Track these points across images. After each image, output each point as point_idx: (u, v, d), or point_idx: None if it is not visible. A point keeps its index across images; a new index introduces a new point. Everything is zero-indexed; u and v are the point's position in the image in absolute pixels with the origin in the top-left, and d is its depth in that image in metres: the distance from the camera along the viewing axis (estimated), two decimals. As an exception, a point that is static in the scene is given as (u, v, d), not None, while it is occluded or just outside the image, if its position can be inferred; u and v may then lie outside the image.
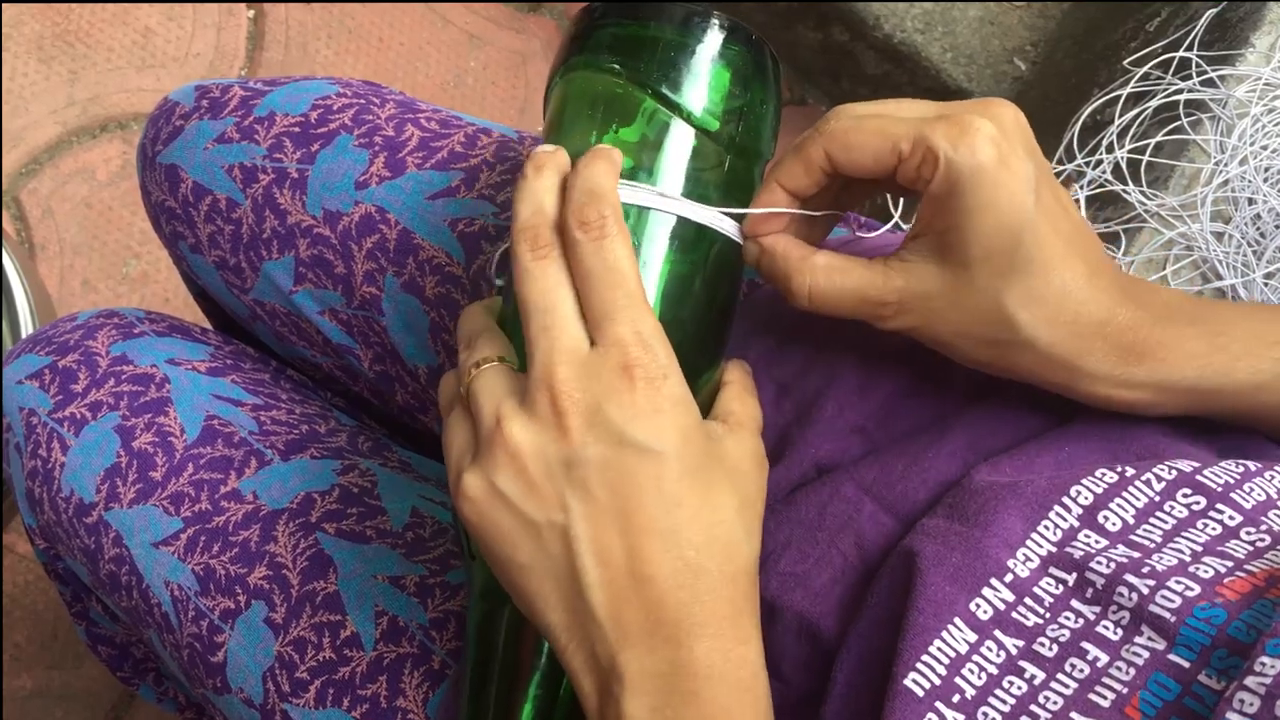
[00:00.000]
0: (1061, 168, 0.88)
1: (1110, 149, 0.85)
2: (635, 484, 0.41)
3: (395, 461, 0.63)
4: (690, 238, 0.47)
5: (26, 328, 1.05)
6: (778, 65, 0.50)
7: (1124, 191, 0.84)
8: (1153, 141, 0.84)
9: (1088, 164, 0.86)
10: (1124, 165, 0.85)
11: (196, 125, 0.66)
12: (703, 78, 0.47)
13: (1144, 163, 0.84)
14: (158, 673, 0.76)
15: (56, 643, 1.14)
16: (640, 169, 0.47)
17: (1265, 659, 0.36)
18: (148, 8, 1.31)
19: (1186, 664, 0.39)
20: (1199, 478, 0.44)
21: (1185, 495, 0.44)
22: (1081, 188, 0.86)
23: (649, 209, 0.46)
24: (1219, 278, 0.80)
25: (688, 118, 0.47)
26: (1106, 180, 0.86)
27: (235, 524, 0.58)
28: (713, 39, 0.47)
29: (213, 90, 0.68)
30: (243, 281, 0.66)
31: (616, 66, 0.47)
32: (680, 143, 0.47)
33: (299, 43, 1.32)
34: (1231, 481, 0.44)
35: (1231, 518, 0.43)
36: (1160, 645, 0.39)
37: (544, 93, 0.51)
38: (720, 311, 0.49)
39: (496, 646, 0.47)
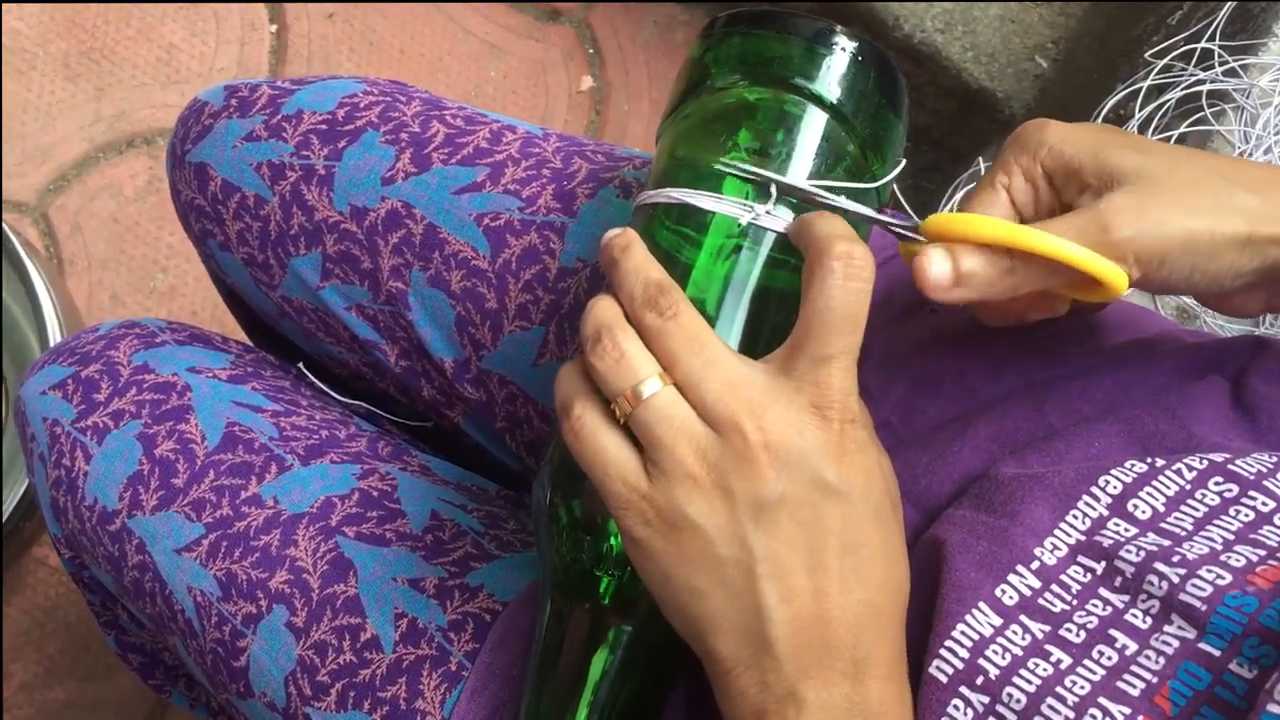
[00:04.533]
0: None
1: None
2: (824, 525, 0.41)
3: (415, 466, 0.64)
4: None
5: (56, 342, 1.06)
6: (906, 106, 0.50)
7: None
8: (1176, 133, 0.83)
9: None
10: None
11: (225, 124, 0.67)
12: (848, 82, 0.47)
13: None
14: (189, 678, 0.77)
15: (89, 655, 1.15)
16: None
17: None
18: (171, 25, 1.32)
19: (1217, 653, 0.38)
20: (1231, 467, 0.43)
21: (1217, 483, 0.43)
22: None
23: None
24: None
25: (847, 128, 0.47)
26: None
27: (256, 529, 0.59)
28: (853, 48, 0.47)
29: (241, 89, 0.68)
30: (270, 278, 0.67)
31: (759, 76, 0.47)
32: (819, 146, 0.47)
33: (321, 56, 1.33)
34: (1265, 470, 0.43)
35: (1264, 504, 0.42)
36: (1190, 634, 0.39)
37: (668, 110, 0.51)
38: None
39: (564, 642, 0.47)
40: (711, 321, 0.45)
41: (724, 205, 0.46)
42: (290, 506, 0.59)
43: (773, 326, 0.46)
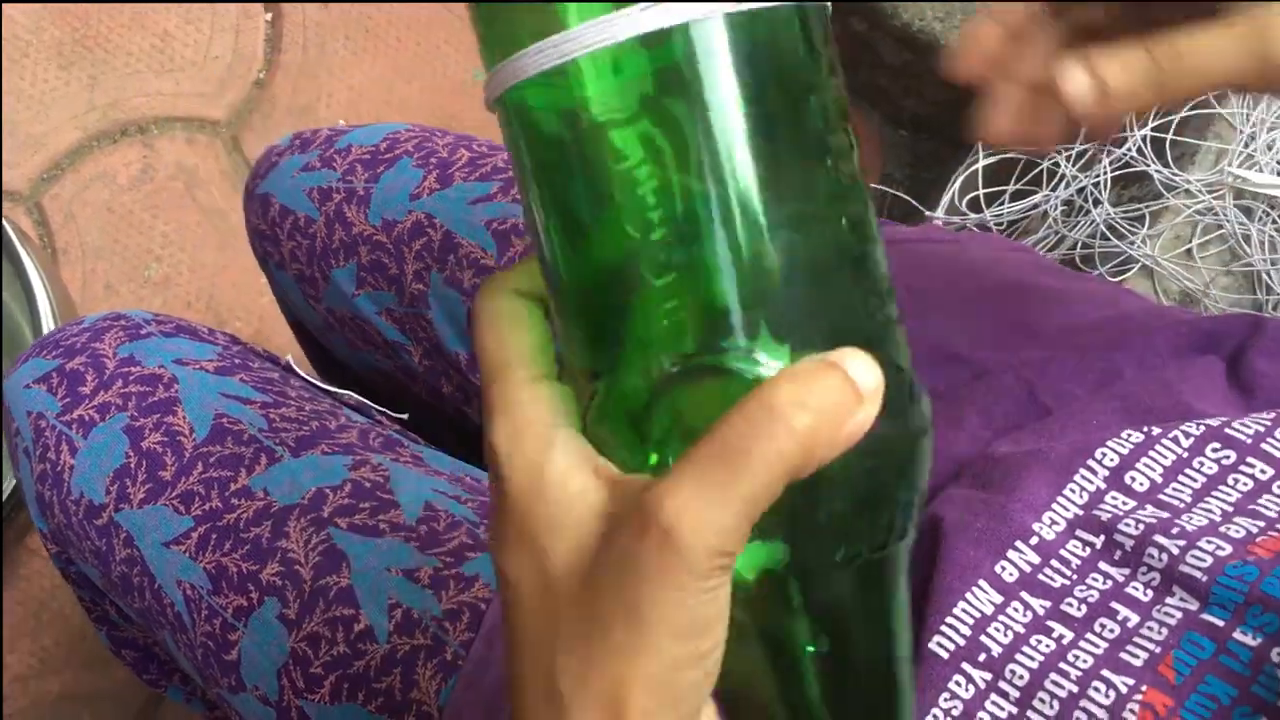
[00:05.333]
0: (1085, 147, 0.87)
1: (1135, 126, 0.84)
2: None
3: (407, 456, 0.63)
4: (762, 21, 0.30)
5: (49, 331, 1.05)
6: None
7: (1150, 169, 0.83)
8: (1177, 118, 0.83)
9: (1113, 142, 0.85)
10: (1148, 143, 0.84)
11: (288, 160, 0.75)
12: None
13: (1169, 140, 0.83)
14: (184, 672, 0.76)
15: (84, 645, 1.15)
16: None
17: None
18: (166, 12, 1.31)
19: (1220, 622, 0.38)
20: (1228, 430, 0.43)
21: (1214, 450, 0.43)
22: (1106, 168, 0.85)
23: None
24: (1246, 254, 0.79)
25: None
26: (1132, 158, 0.84)
27: (246, 521, 0.58)
28: None
29: (305, 133, 0.77)
30: (316, 291, 0.73)
31: None
32: None
33: (317, 43, 1.32)
34: (1262, 430, 0.42)
35: (1263, 471, 0.42)
36: (1193, 605, 0.39)
37: None
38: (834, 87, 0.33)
39: None
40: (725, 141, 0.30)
41: (587, 33, 0.30)
42: (281, 498, 0.58)
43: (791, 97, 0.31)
